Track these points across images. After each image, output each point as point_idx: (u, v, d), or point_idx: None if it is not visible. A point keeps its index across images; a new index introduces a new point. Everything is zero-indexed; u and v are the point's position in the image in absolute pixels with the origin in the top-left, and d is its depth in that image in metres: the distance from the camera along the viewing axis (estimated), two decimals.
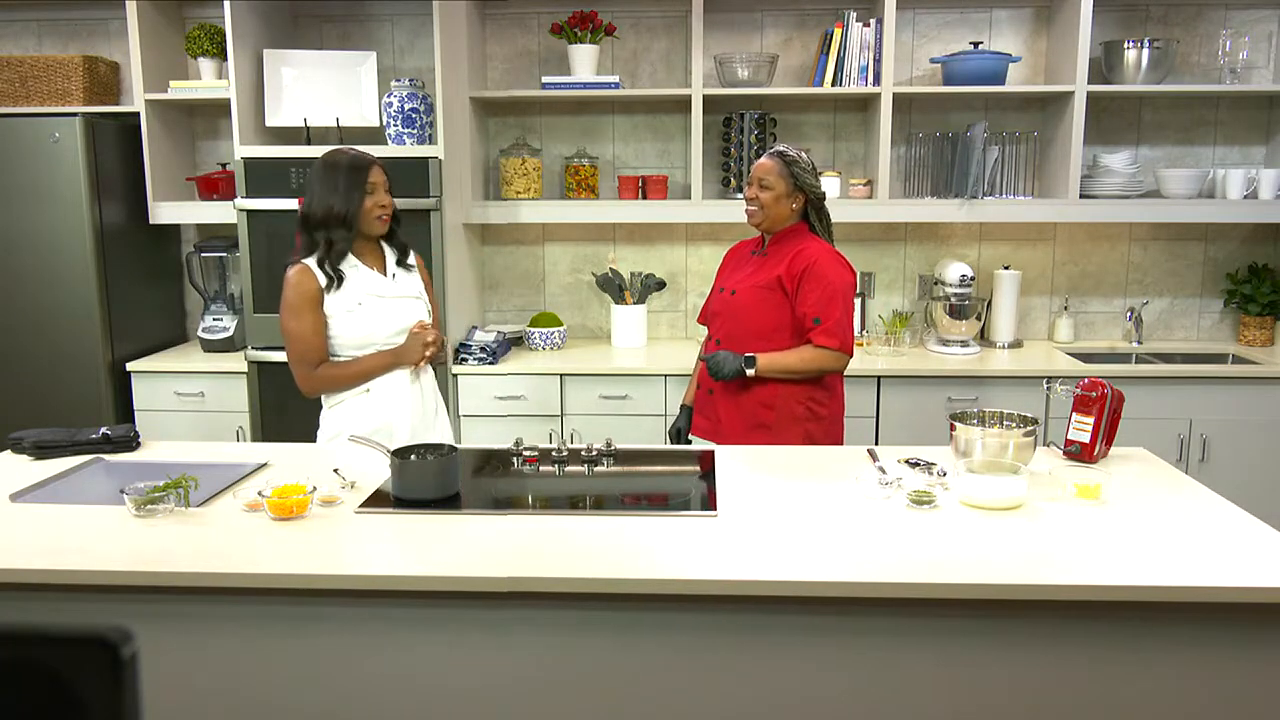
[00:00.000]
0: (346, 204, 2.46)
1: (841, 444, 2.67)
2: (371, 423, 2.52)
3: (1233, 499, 2.06)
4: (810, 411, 2.66)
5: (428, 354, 2.54)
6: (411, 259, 2.66)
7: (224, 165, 4.01)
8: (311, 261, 2.48)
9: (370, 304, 2.52)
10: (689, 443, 2.84)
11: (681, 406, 2.94)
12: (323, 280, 2.47)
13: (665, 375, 3.54)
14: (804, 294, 2.61)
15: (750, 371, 2.59)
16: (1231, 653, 1.66)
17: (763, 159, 2.68)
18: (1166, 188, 3.76)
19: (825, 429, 2.69)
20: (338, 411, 2.55)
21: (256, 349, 3.55)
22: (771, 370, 2.60)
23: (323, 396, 2.58)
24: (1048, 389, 2.63)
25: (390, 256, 2.61)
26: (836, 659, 1.69)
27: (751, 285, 2.69)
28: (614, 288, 3.91)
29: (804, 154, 2.67)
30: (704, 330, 3.20)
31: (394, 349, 2.55)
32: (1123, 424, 2.35)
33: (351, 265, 2.52)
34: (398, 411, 2.54)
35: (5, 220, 3.56)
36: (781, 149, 2.67)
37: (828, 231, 2.75)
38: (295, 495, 1.96)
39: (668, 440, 2.92)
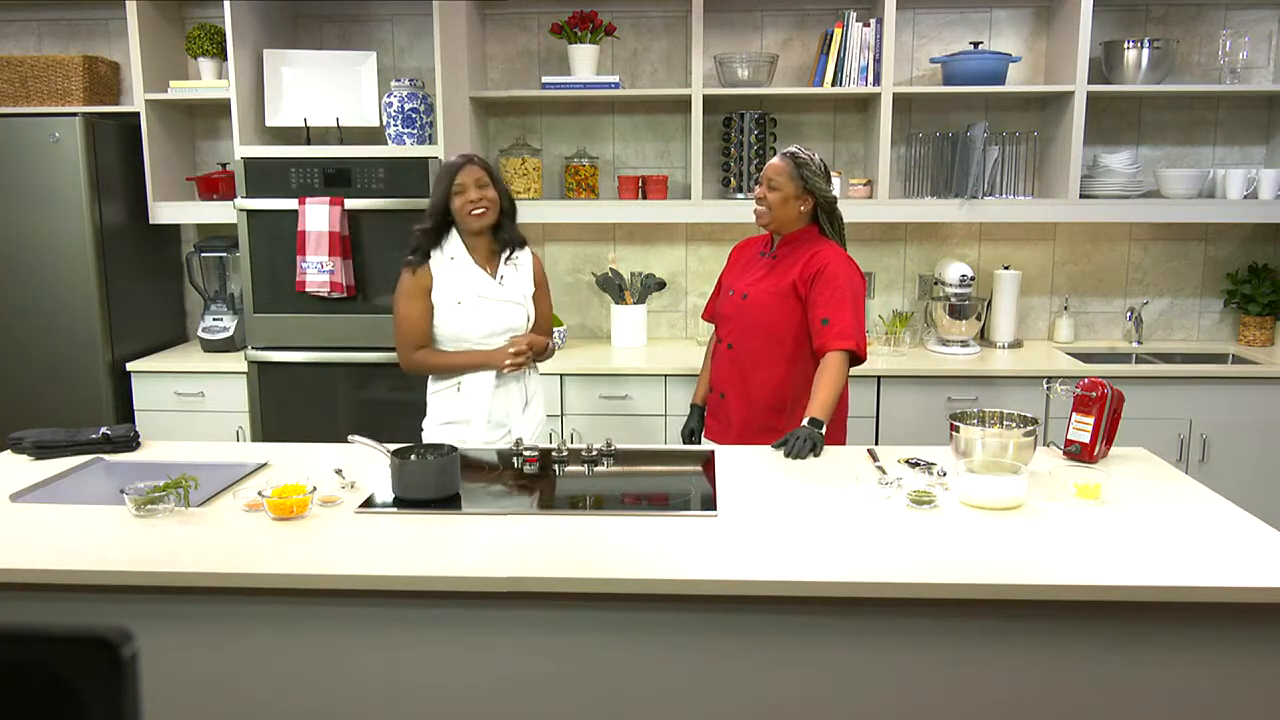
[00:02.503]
0: (434, 203, 2.66)
1: (843, 444, 2.67)
2: (457, 413, 2.71)
3: (1233, 499, 2.06)
4: None
5: (508, 364, 2.66)
6: (523, 256, 2.76)
7: (224, 165, 4.01)
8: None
9: (471, 303, 2.66)
10: (702, 443, 2.84)
11: (691, 406, 2.92)
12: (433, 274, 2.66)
13: (665, 375, 3.54)
14: (815, 296, 2.60)
15: (823, 429, 2.47)
16: (1231, 653, 1.66)
17: (774, 159, 2.66)
18: (1166, 188, 3.76)
19: (831, 431, 2.68)
20: (437, 399, 2.76)
21: (256, 349, 3.55)
22: (829, 409, 2.49)
23: (429, 380, 2.77)
24: (1048, 389, 2.63)
25: (501, 255, 2.72)
26: (836, 659, 1.69)
27: (765, 290, 2.67)
28: (614, 288, 3.91)
29: (816, 156, 2.65)
30: (708, 327, 3.19)
31: (485, 351, 2.68)
32: (1123, 424, 2.35)
33: (463, 263, 2.66)
34: (478, 408, 2.69)
35: (5, 220, 3.56)
36: (793, 150, 2.65)
37: (840, 235, 2.72)
38: (295, 495, 1.97)
39: (683, 441, 2.90)
